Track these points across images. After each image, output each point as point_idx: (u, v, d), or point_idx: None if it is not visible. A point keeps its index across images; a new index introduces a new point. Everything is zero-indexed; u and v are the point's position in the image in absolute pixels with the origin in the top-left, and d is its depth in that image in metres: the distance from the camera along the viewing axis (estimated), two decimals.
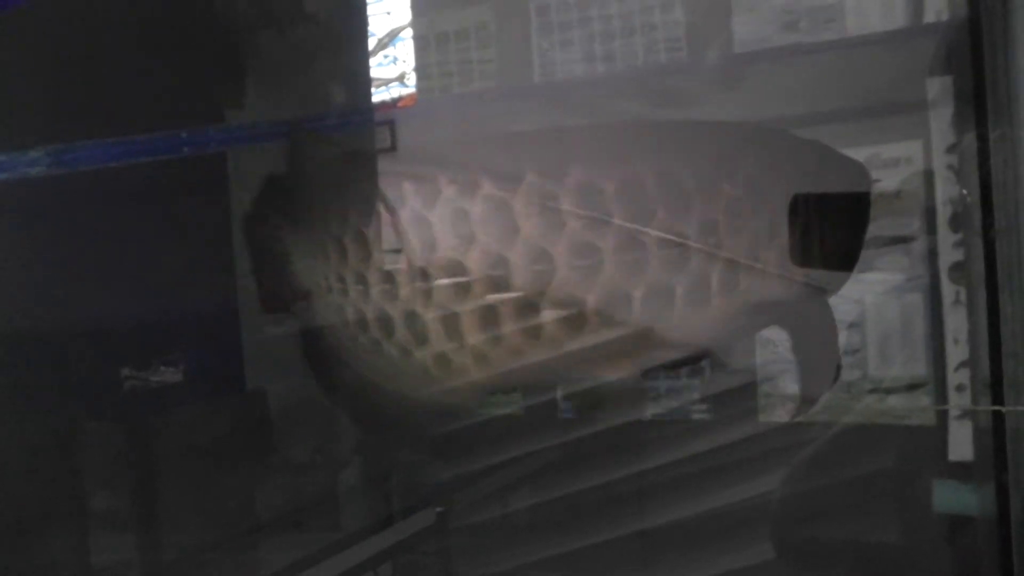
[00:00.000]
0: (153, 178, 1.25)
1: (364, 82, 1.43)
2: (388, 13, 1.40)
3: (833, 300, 1.13)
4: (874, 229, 1.11)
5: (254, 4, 1.43)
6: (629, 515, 1.27)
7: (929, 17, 1.14)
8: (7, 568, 1.13)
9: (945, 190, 1.08)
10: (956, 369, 1.08)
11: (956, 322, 1.08)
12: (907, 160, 1.14)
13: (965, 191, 1.02)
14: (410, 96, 1.42)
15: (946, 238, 1.08)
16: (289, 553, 1.32)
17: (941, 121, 1.08)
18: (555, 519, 1.33)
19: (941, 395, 1.11)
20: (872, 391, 1.16)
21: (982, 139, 0.93)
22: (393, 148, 1.34)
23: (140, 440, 1.28)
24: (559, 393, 1.36)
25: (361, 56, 1.42)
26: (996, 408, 0.94)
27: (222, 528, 1.33)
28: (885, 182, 1.14)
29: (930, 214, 1.10)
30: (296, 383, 1.39)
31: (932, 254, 1.11)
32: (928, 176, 1.12)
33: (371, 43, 1.42)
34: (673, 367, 1.23)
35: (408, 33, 1.41)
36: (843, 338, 1.17)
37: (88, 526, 1.22)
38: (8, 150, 1.17)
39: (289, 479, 1.42)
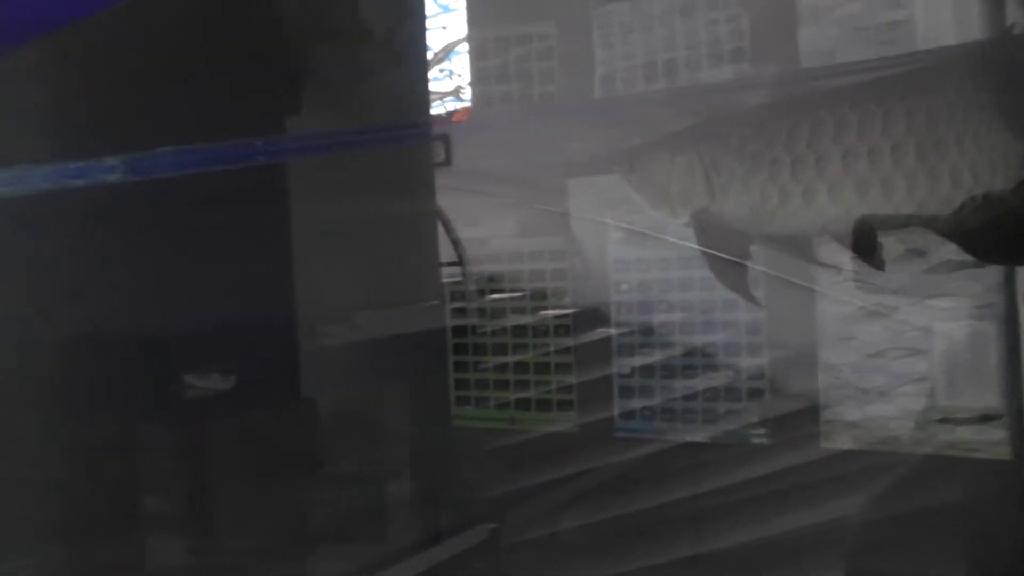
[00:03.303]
0: (215, 187, 1.27)
1: (422, 96, 1.43)
2: (444, 28, 1.40)
3: (898, 326, 1.09)
4: (945, 253, 1.07)
5: (315, 20, 1.44)
6: (684, 539, 1.24)
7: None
8: (67, 568, 1.15)
9: None
10: None
11: None
12: None
13: None
14: (465, 110, 1.41)
15: None
16: (338, 564, 1.32)
17: None
18: (607, 541, 1.31)
19: (1018, 428, 1.07)
20: (941, 421, 1.11)
21: None
22: (448, 162, 1.34)
23: (196, 446, 1.29)
24: (616, 411, 1.35)
25: (419, 70, 1.42)
26: None
27: (272, 537, 1.34)
28: None
29: None
30: (347, 393, 1.40)
31: (1008, 280, 1.06)
32: None
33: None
34: None
35: (464, 47, 1.40)
36: (908, 365, 1.13)
37: (144, 529, 1.23)
38: (85, 158, 1.19)
39: (338, 490, 1.42)
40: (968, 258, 1.05)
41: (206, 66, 1.29)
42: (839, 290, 1.16)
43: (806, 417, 1.19)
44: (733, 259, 1.16)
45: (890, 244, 1.07)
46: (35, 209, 1.15)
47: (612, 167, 1.27)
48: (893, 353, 1.13)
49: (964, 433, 1.10)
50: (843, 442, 1.17)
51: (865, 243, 1.05)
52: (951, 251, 1.06)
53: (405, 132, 1.45)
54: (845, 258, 1.14)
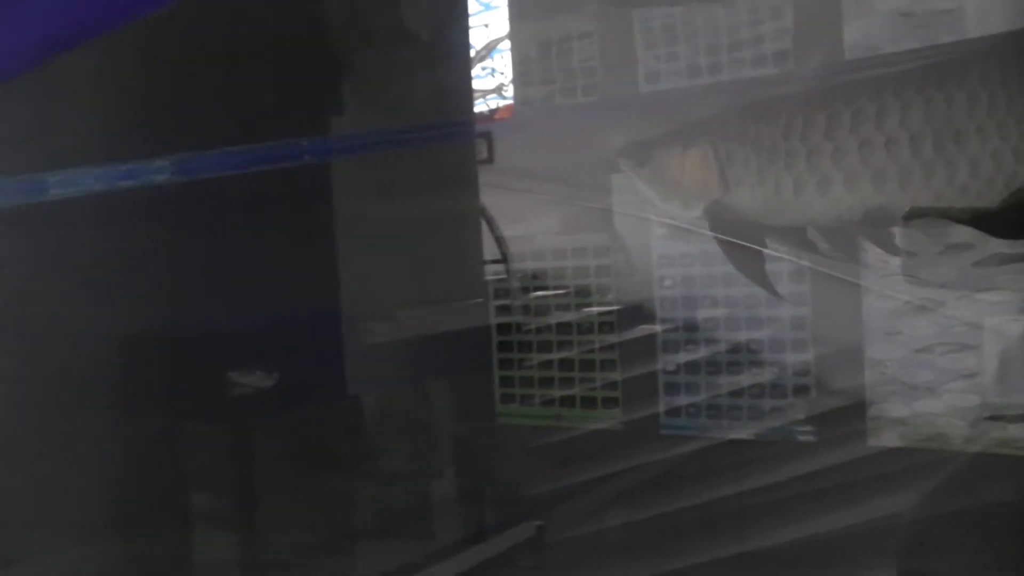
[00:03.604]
0: (262, 187, 1.29)
1: (465, 94, 1.44)
2: (486, 26, 1.40)
3: (945, 321, 1.07)
4: (994, 246, 1.04)
5: (359, 21, 1.45)
6: (729, 537, 1.23)
7: None
8: (118, 562, 1.18)
9: None
10: None
11: None
12: None
13: None
14: (507, 107, 1.42)
15: None
16: (384, 560, 1.33)
17: None
18: (652, 538, 1.31)
19: None
20: (992, 419, 1.09)
21: None
22: (490, 160, 1.34)
23: (243, 443, 1.31)
24: (661, 408, 1.34)
25: (462, 69, 1.43)
26: None
27: (318, 533, 1.35)
28: None
29: None
30: (392, 391, 1.41)
31: None
32: None
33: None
34: None
35: (506, 45, 1.40)
36: (957, 361, 1.10)
37: (192, 524, 1.26)
38: (135, 159, 1.21)
39: (383, 487, 1.43)
40: (1019, 251, 1.03)
41: (252, 68, 1.31)
42: (885, 284, 1.14)
43: (852, 414, 1.17)
44: (754, 248, 1.16)
45: (936, 237, 1.05)
46: (85, 210, 1.18)
47: (619, 161, 1.27)
48: (941, 348, 1.11)
49: (1016, 431, 1.07)
50: (890, 439, 1.15)
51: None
52: (1001, 244, 1.04)
53: (449, 130, 1.46)
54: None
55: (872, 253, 1.14)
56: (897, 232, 1.13)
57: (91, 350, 1.19)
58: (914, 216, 1.08)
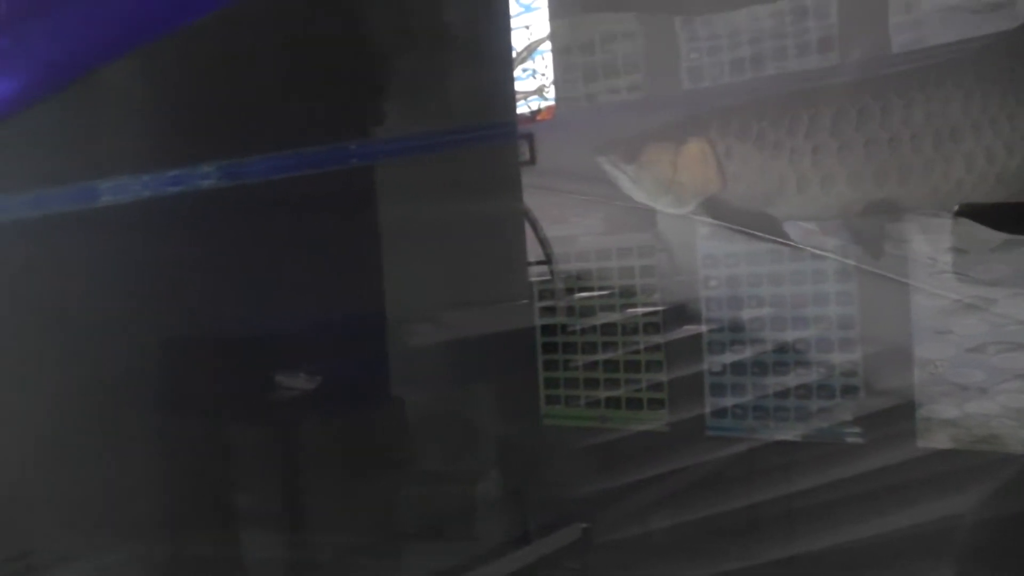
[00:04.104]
0: (305, 191, 1.30)
1: (508, 96, 1.44)
2: (527, 27, 1.40)
3: (997, 319, 1.04)
4: None
5: (401, 24, 1.46)
6: (777, 540, 1.22)
7: None
8: (167, 561, 1.20)
9: None
10: None
11: None
12: None
13: None
14: (548, 109, 1.41)
15: None
16: (429, 561, 1.34)
17: None
18: (699, 541, 1.30)
19: None
20: None
21: None
22: (532, 161, 1.34)
23: (289, 444, 1.33)
24: (707, 409, 1.33)
25: (504, 70, 1.43)
26: None
27: (363, 534, 1.36)
28: None
29: None
30: (437, 392, 1.41)
31: None
32: None
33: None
34: None
35: (546, 46, 1.40)
36: (1010, 360, 1.07)
37: (240, 524, 1.27)
38: (182, 164, 1.24)
39: (428, 489, 1.43)
40: None
41: (295, 73, 1.33)
42: (934, 282, 1.12)
43: (901, 415, 1.14)
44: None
45: (987, 233, 1.03)
46: (133, 216, 1.21)
47: (602, 158, 1.26)
48: (993, 348, 1.08)
49: None
50: (941, 441, 1.12)
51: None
52: None
53: (494, 132, 1.46)
54: (940, 249, 1.10)
55: (920, 251, 1.12)
56: (948, 229, 1.10)
57: (140, 353, 1.22)
58: (963, 213, 1.06)
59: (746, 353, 1.29)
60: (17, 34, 1.30)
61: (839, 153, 1.12)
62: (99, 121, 1.26)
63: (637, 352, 1.39)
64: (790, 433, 1.25)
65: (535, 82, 1.42)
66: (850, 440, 1.20)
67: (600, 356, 1.43)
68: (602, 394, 1.43)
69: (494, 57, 1.43)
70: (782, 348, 1.26)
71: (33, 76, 1.29)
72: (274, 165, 1.27)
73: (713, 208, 1.22)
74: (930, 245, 1.11)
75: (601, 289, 1.42)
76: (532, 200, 1.43)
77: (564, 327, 1.46)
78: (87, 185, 1.24)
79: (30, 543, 1.22)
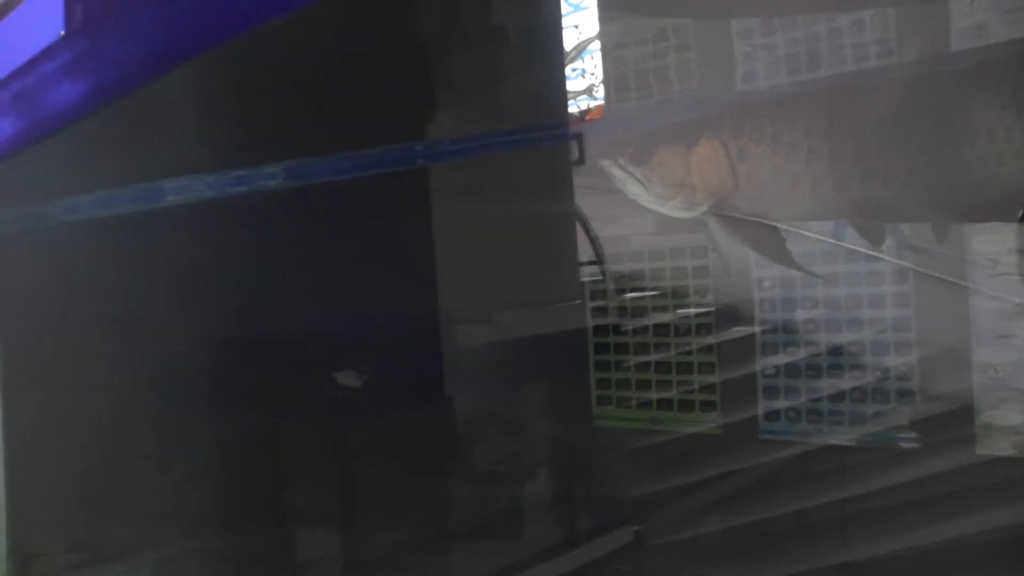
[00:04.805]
0: (359, 192, 1.31)
1: (560, 96, 1.44)
2: (576, 27, 1.40)
3: None
4: None
5: (453, 26, 1.47)
6: (830, 546, 1.20)
7: None
8: (221, 556, 1.22)
9: None
10: None
11: None
12: None
13: None
14: (598, 108, 1.41)
15: None
16: (480, 561, 1.34)
17: None
18: (751, 545, 1.28)
19: None
20: None
21: None
22: (581, 161, 1.34)
23: (341, 443, 1.35)
24: (760, 411, 1.31)
25: (557, 70, 1.43)
26: None
27: (414, 532, 1.38)
28: None
29: None
30: (488, 393, 1.42)
31: None
32: None
33: None
34: None
35: (595, 46, 1.40)
36: None
37: (292, 521, 1.29)
38: (248, 165, 1.26)
39: (480, 489, 1.44)
40: None
41: (346, 77, 1.35)
42: (994, 285, 1.08)
43: (959, 420, 1.11)
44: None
45: None
46: (192, 216, 1.23)
47: (607, 161, 1.24)
48: None
49: None
50: (1001, 448, 1.09)
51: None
52: None
53: (552, 132, 1.46)
54: (1002, 251, 1.07)
55: (980, 251, 1.09)
56: (1010, 230, 1.07)
57: (201, 352, 1.24)
58: None
59: (800, 355, 1.27)
60: (93, 37, 1.34)
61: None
62: (166, 123, 1.28)
63: (689, 353, 1.38)
64: (844, 437, 1.22)
65: (584, 81, 1.41)
66: (905, 445, 1.17)
67: (652, 357, 1.42)
68: (654, 395, 1.42)
69: (547, 57, 1.43)
70: (836, 350, 1.23)
71: (106, 78, 1.33)
72: (340, 166, 1.28)
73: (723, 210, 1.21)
74: (990, 246, 1.08)
75: (653, 290, 1.41)
76: (581, 200, 1.43)
77: (616, 327, 1.45)
78: (154, 186, 1.26)
79: (95, 536, 1.26)
